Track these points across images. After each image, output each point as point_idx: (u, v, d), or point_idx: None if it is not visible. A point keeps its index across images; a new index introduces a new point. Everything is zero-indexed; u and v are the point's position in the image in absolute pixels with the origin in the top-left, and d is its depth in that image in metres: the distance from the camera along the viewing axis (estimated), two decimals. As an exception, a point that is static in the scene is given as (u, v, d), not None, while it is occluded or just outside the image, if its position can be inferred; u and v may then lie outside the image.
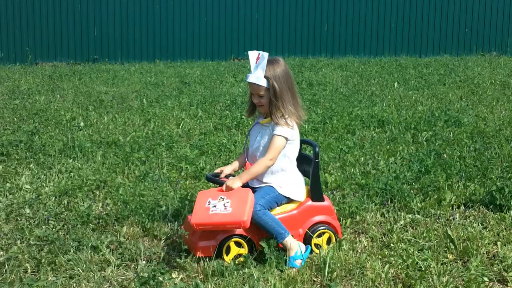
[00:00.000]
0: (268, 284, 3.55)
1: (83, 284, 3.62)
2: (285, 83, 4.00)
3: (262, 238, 3.88)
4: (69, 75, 13.03)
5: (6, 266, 3.77)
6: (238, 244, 3.89)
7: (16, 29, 15.61)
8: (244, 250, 3.89)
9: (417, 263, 3.80)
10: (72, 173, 5.86)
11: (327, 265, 3.70)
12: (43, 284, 3.33)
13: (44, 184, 5.55)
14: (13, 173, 5.89)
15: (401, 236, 4.29)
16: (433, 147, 6.52)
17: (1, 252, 4.05)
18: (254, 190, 4.05)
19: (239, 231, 3.87)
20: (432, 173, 5.56)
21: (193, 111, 8.76)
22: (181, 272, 3.78)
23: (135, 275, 3.67)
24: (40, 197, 5.17)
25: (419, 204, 4.88)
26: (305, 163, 4.31)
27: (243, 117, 8.12)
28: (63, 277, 3.68)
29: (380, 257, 3.95)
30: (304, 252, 3.90)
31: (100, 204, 5.01)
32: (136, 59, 15.73)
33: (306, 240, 4.03)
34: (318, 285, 3.62)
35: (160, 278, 3.48)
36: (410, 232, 4.38)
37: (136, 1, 15.81)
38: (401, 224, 4.52)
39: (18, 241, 4.21)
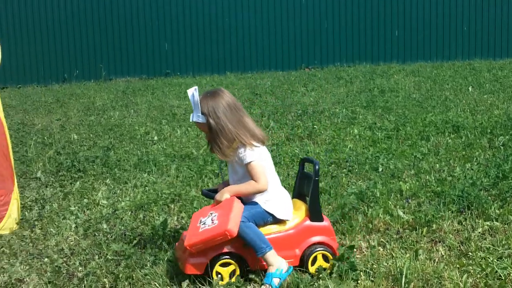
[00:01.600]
0: (345, 297, 3.48)
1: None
2: (225, 114, 3.86)
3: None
4: (142, 90, 13.28)
5: (85, 282, 3.82)
6: (226, 265, 3.77)
7: (89, 47, 16.05)
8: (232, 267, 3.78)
9: (496, 271, 3.65)
10: (147, 187, 5.94)
11: (403, 275, 3.59)
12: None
13: (120, 199, 5.64)
14: (90, 188, 6.02)
15: (479, 244, 4.13)
16: (511, 152, 6.28)
17: (80, 268, 4.12)
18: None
19: (227, 249, 3.75)
20: (510, 178, 5.34)
21: (264, 122, 8.76)
22: (255, 285, 3.74)
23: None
24: (116, 212, 5.25)
25: (497, 211, 4.70)
26: (307, 182, 4.12)
27: (315, 126, 8.05)
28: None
29: (458, 266, 3.80)
30: (285, 272, 3.73)
31: (175, 218, 5.04)
32: (207, 72, 15.89)
33: (303, 261, 3.89)
34: (396, 297, 3.52)
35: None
36: (488, 240, 4.21)
37: (205, 15, 15.99)
38: (479, 232, 4.36)
39: (96, 256, 4.27)
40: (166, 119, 9.54)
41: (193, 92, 3.87)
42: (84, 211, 5.36)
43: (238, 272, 3.77)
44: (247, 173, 3.87)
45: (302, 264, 3.86)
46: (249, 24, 16.03)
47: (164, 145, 7.74)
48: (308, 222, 3.94)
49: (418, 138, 7.24)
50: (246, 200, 3.98)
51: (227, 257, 3.75)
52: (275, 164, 6.31)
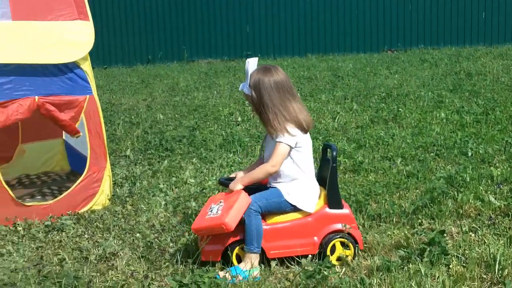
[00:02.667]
0: (436, 281, 3.43)
1: (250, 277, 3.69)
2: (269, 93, 3.80)
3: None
4: (224, 72, 13.40)
5: (177, 257, 3.93)
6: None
7: (173, 29, 16.29)
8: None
9: None
10: (233, 167, 6.02)
11: (497, 262, 3.52)
12: (212, 275, 3.43)
13: (207, 178, 5.74)
14: (177, 167, 6.16)
15: None
16: None
17: (171, 244, 4.23)
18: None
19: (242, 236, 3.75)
20: None
21: (348, 105, 8.70)
22: (345, 267, 3.75)
23: (300, 269, 3.69)
24: (204, 190, 5.35)
25: None
26: (327, 168, 4.00)
27: (400, 109, 7.94)
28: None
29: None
30: (252, 276, 3.66)
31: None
32: (288, 54, 15.85)
33: (321, 248, 3.83)
34: (488, 283, 3.44)
35: (325, 272, 3.47)
36: None
37: (287, -4, 15.96)
38: None
39: (186, 233, 4.38)
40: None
41: (251, 61, 3.88)
42: (172, 189, 5.49)
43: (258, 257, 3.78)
44: None
45: (321, 251, 3.83)
46: (331, 6, 15.87)
47: (248, 126, 7.81)
48: (326, 209, 3.88)
49: (509, 122, 7.03)
50: (271, 183, 3.96)
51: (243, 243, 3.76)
52: (360, 147, 6.30)
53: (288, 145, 3.81)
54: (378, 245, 3.96)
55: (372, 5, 15.72)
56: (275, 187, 3.92)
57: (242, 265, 3.74)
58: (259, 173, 3.88)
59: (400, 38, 15.65)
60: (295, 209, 3.87)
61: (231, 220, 3.65)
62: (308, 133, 3.98)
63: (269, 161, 3.83)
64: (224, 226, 3.64)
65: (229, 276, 3.62)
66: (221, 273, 3.65)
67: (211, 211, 3.83)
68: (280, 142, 3.80)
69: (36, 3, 4.91)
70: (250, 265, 3.73)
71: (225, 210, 3.71)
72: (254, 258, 3.74)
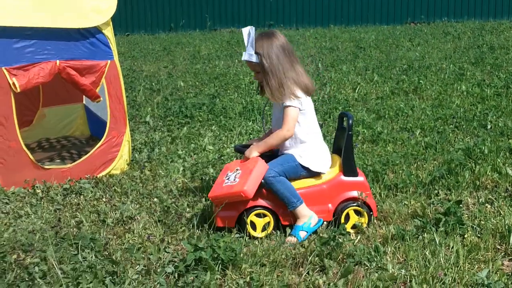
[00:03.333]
0: (450, 250, 3.44)
1: (265, 243, 3.72)
2: (278, 56, 3.82)
3: None
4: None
5: (193, 222, 3.97)
6: (261, 216, 3.80)
7: (196, -3, 16.26)
8: (267, 219, 3.80)
9: None
10: (251, 135, 6.04)
11: (511, 233, 3.52)
12: (228, 240, 3.46)
13: (225, 145, 5.77)
14: (196, 134, 6.18)
15: None
16: None
17: (188, 209, 4.27)
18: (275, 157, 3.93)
19: (260, 202, 3.76)
20: None
21: (368, 76, 8.65)
22: (360, 234, 3.76)
23: (315, 236, 3.72)
24: (222, 157, 5.38)
25: None
26: (343, 136, 3.98)
27: (421, 81, 7.88)
28: (247, 235, 3.80)
29: None
30: (314, 225, 3.72)
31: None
32: (311, 24, 15.75)
33: (336, 216, 3.83)
34: (502, 253, 3.44)
35: (340, 240, 3.50)
36: None
37: (311, -34, 15.81)
38: None
39: (203, 199, 4.41)
40: (269, 70, 9.56)
41: (249, 31, 3.85)
42: (191, 155, 5.52)
43: (272, 224, 3.80)
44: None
45: (335, 218, 3.84)
46: (355, -24, 15.72)
47: (267, 95, 7.79)
48: (341, 176, 3.88)
49: (531, 96, 6.96)
50: (282, 151, 3.97)
51: (261, 208, 3.78)
52: (379, 117, 6.28)
53: (297, 108, 3.82)
54: (394, 214, 3.96)
55: (396, -24, 15.54)
56: (287, 153, 3.93)
57: (299, 222, 3.77)
58: (274, 139, 3.89)
59: (424, 11, 15.48)
60: (309, 172, 3.89)
61: (250, 188, 3.67)
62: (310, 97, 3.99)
63: (283, 127, 3.83)
64: (243, 194, 3.66)
65: (295, 239, 3.68)
66: (288, 238, 3.70)
67: (228, 178, 3.85)
68: (290, 106, 3.81)
69: (58, -32, 4.92)
70: (305, 218, 3.76)
71: (243, 178, 3.73)
72: (302, 209, 3.77)
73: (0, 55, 4.57)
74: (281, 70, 3.83)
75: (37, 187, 4.78)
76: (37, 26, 4.69)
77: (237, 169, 3.89)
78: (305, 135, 3.92)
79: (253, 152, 3.91)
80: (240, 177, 3.77)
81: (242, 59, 3.97)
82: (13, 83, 4.57)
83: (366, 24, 15.49)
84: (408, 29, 14.25)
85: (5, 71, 4.56)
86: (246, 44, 3.88)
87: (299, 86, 3.86)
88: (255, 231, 3.79)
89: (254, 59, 3.86)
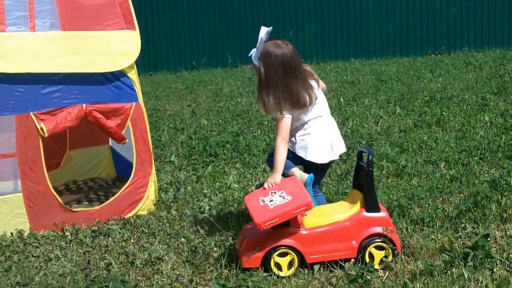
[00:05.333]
0: (479, 285, 3.42)
1: (293, 281, 3.72)
2: (275, 70, 3.94)
3: None
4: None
5: (221, 261, 3.99)
6: (284, 255, 3.81)
7: (217, 36, 16.43)
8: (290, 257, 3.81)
9: None
10: (276, 173, 6.06)
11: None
12: (256, 279, 3.48)
13: (250, 183, 5.80)
14: (221, 172, 6.23)
15: None
16: None
17: (215, 248, 4.29)
18: None
19: (283, 242, 3.78)
20: None
21: (391, 108, 8.67)
22: (388, 271, 3.76)
23: (343, 273, 3.72)
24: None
25: None
26: (363, 172, 3.99)
27: (443, 113, 7.88)
28: (274, 274, 3.81)
29: None
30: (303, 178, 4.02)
31: (304, 202, 5.12)
32: (331, 58, 15.85)
33: (360, 252, 3.82)
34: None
35: (368, 277, 3.49)
36: None
37: (330, 1, 15.93)
38: None
39: (230, 238, 4.44)
40: (291, 106, 9.62)
41: (266, 31, 3.97)
42: (216, 194, 5.56)
43: (296, 262, 3.81)
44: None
45: (360, 255, 3.84)
46: (374, 9, 15.80)
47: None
48: (364, 213, 3.89)
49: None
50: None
51: (284, 247, 3.79)
52: (403, 151, 6.28)
53: (290, 117, 4.03)
54: (421, 249, 3.95)
55: (415, 8, 15.61)
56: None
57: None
58: (279, 153, 4.01)
59: (444, 41, 15.51)
60: (306, 163, 4.18)
61: (311, 199, 3.78)
62: (320, 90, 4.24)
63: (277, 137, 4.03)
64: (309, 206, 3.74)
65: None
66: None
67: (271, 201, 3.86)
68: (282, 117, 4.01)
69: (84, 14, 5.04)
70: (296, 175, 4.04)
71: (296, 193, 3.82)
72: (294, 172, 4.07)
73: (28, 100, 4.69)
74: (274, 83, 3.97)
75: (66, 229, 4.85)
76: (64, 72, 4.81)
77: (273, 192, 3.93)
78: (301, 135, 4.17)
79: (276, 177, 4.02)
80: (291, 194, 3.83)
81: (248, 55, 4.09)
82: (41, 128, 4.68)
83: (386, 57, 15.54)
84: (429, 60, 14.28)
85: (33, 116, 4.67)
86: (258, 42, 4.01)
87: (292, 104, 4.01)
88: (281, 271, 3.80)
89: (255, 62, 4.01)
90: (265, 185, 4.02)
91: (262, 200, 3.92)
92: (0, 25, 4.71)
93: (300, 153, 4.18)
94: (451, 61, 13.51)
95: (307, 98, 4.05)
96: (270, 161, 4.23)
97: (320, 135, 4.21)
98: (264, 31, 4.01)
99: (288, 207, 3.74)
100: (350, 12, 15.90)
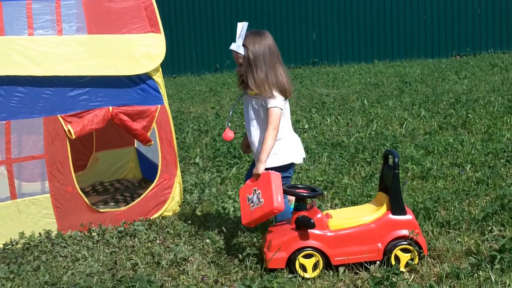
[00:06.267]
0: (507, 289, 3.41)
1: (318, 283, 3.73)
2: (263, 54, 4.12)
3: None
4: (291, 79, 13.41)
5: (246, 263, 4.00)
6: (309, 256, 3.82)
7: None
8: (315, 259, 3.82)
9: None
10: (300, 174, 6.07)
11: None
12: (281, 281, 3.49)
13: (274, 185, 5.80)
14: (245, 174, 6.22)
15: None
16: None
17: (240, 249, 4.31)
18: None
19: (308, 243, 3.80)
20: None
21: (415, 111, 8.63)
22: (413, 273, 3.75)
23: (368, 275, 3.71)
24: (272, 197, 5.41)
25: None
26: (389, 174, 3.97)
27: (469, 115, 7.82)
28: (299, 276, 3.82)
29: None
30: None
31: (329, 205, 5.13)
32: (355, 60, 15.80)
33: (386, 255, 3.81)
34: None
35: (394, 279, 3.49)
36: None
37: (353, 3, 15.90)
38: None
39: (255, 239, 4.45)
40: (315, 108, 9.64)
41: (243, 24, 4.16)
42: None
43: (322, 263, 3.81)
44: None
45: (386, 257, 3.83)
46: (398, 11, 15.73)
47: (314, 133, 7.85)
48: (390, 215, 3.87)
49: None
50: (259, 149, 4.19)
51: (309, 248, 3.80)
52: (428, 153, 6.25)
53: (280, 108, 4.12)
54: (448, 252, 3.94)
55: (440, 10, 15.50)
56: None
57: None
58: (268, 142, 4.10)
59: (469, 43, 15.38)
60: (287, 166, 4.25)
61: (278, 201, 3.85)
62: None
63: (269, 126, 4.11)
64: (276, 210, 3.86)
65: None
66: None
67: (252, 202, 4.00)
68: (274, 107, 4.10)
69: (110, 18, 5.10)
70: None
71: (266, 196, 3.90)
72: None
73: (56, 103, 4.76)
74: (263, 68, 4.12)
75: (93, 230, 4.90)
76: (91, 75, 4.86)
77: (255, 190, 4.03)
78: (280, 134, 4.19)
79: (260, 167, 4.08)
80: (263, 197, 3.92)
81: (230, 48, 4.20)
82: (69, 130, 4.74)
83: (410, 58, 15.45)
84: (453, 62, 14.17)
85: (60, 118, 4.74)
86: (237, 35, 4.17)
87: (277, 86, 4.13)
88: (306, 272, 3.81)
89: (241, 50, 4.14)
90: (253, 171, 4.14)
91: (248, 198, 4.06)
92: (28, 28, 4.79)
93: (283, 160, 4.26)
94: (477, 62, 13.41)
95: (289, 88, 4.22)
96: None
97: (293, 136, 4.36)
98: (241, 25, 4.18)
99: (260, 213, 3.92)
100: (373, 13, 15.84)
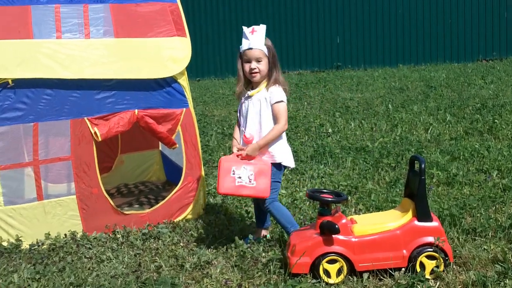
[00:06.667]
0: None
1: (342, 288, 3.73)
2: (274, 53, 4.43)
3: None
4: (314, 83, 13.44)
5: (269, 267, 4.00)
6: (333, 262, 3.81)
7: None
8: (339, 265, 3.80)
9: None
10: (323, 179, 6.06)
11: None
12: (305, 286, 3.48)
13: (298, 189, 5.80)
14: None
15: None
16: None
17: (263, 254, 4.30)
18: None
19: (332, 248, 3.79)
20: None
21: (441, 116, 8.56)
22: (439, 281, 3.72)
23: (393, 282, 3.69)
24: (295, 201, 5.42)
25: None
26: (415, 180, 3.93)
27: (496, 121, 7.74)
28: (322, 281, 3.81)
29: None
30: None
31: (353, 210, 5.11)
32: (379, 64, 15.73)
33: (411, 262, 3.77)
34: None
35: (419, 286, 3.46)
36: None
37: (378, 6, 15.84)
38: None
39: (278, 244, 4.45)
40: (339, 112, 9.61)
41: (260, 26, 4.41)
42: (265, 200, 5.57)
43: (346, 269, 3.79)
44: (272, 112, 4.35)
45: (411, 264, 3.80)
46: (423, 15, 15.63)
47: (338, 137, 7.83)
48: (415, 222, 3.84)
49: None
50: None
51: (333, 254, 3.79)
52: (454, 159, 6.21)
53: (285, 102, 4.38)
54: (474, 260, 3.90)
55: (466, 14, 15.38)
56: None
57: None
58: (274, 134, 4.33)
59: (496, 47, 15.24)
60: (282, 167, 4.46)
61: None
62: None
63: (280, 121, 4.33)
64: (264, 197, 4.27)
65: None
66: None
67: (239, 177, 4.21)
68: (281, 101, 4.34)
69: (137, 21, 5.14)
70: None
71: (261, 183, 4.22)
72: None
73: (83, 105, 4.81)
74: (278, 65, 4.45)
75: (117, 232, 4.93)
76: (118, 78, 4.90)
77: (245, 168, 4.24)
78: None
79: (254, 150, 4.32)
80: (257, 180, 4.23)
81: (250, 46, 4.38)
82: (95, 132, 4.78)
83: (436, 63, 15.34)
84: (480, 66, 14.04)
85: (87, 121, 4.78)
86: (249, 37, 4.39)
87: (284, 83, 4.44)
88: (330, 278, 3.80)
89: (264, 48, 4.36)
90: (243, 153, 4.32)
91: (233, 171, 4.22)
92: (57, 32, 4.84)
93: (285, 162, 4.46)
94: (503, 67, 13.27)
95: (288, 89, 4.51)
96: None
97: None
98: (262, 27, 4.43)
99: (250, 193, 4.25)
100: (398, 17, 15.76)
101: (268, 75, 4.40)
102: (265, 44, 4.37)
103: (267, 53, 4.37)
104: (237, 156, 4.33)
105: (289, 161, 4.47)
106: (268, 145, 4.37)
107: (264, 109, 4.39)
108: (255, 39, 4.36)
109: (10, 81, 4.64)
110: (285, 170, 6.35)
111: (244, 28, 4.44)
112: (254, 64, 4.38)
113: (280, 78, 4.41)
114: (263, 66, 4.38)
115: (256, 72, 4.39)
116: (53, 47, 4.80)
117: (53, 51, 4.78)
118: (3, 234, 4.73)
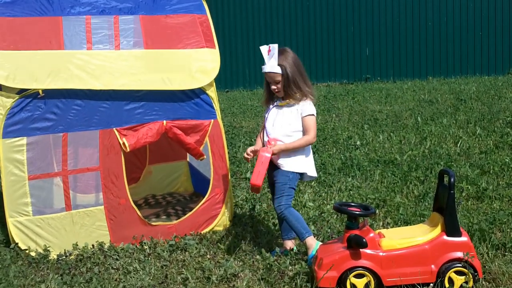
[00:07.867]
0: None
1: (369, 302, 3.69)
2: (296, 68, 4.45)
3: None
4: (342, 95, 13.39)
5: (296, 280, 3.97)
6: (361, 276, 3.77)
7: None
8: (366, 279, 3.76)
9: None
10: (351, 191, 6.02)
11: None
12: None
13: (325, 202, 5.78)
14: (296, 190, 6.20)
15: None
16: None
17: (290, 267, 4.28)
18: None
19: (359, 263, 3.76)
20: None
21: (471, 129, 8.46)
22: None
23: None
24: (323, 214, 5.39)
25: None
26: (444, 194, 3.89)
27: (526, 135, 7.64)
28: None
29: None
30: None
31: (381, 223, 5.07)
32: (408, 77, 15.62)
33: (440, 277, 3.71)
34: None
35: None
36: None
37: (408, 19, 15.74)
38: None
39: (305, 257, 4.42)
40: (367, 124, 9.56)
41: (272, 46, 4.52)
42: (292, 212, 5.55)
43: (373, 284, 3.75)
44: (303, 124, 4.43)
45: (440, 279, 3.76)
46: (454, 27, 15.50)
47: (366, 150, 7.78)
48: (444, 236, 3.79)
49: None
50: (284, 156, 4.45)
51: (361, 268, 3.75)
52: (484, 173, 6.13)
53: (314, 115, 4.46)
54: (503, 276, 3.84)
55: (497, 27, 15.22)
56: (279, 171, 4.47)
57: (308, 251, 4.29)
58: (301, 143, 4.43)
59: (527, 60, 15.04)
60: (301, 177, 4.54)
61: (255, 179, 4.30)
62: None
63: (310, 133, 4.41)
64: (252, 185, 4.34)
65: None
66: None
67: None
68: (311, 115, 4.45)
69: (167, 33, 5.18)
70: (311, 247, 4.26)
71: (255, 171, 4.33)
72: (311, 241, 4.30)
73: (112, 116, 4.85)
74: (301, 79, 4.47)
75: (144, 243, 4.95)
76: (147, 89, 4.94)
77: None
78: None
79: (273, 148, 4.39)
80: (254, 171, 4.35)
81: (264, 71, 4.55)
82: (123, 143, 4.82)
83: (466, 75, 15.19)
84: (510, 79, 13.85)
85: (116, 131, 4.82)
86: (266, 58, 4.54)
87: (310, 93, 4.49)
88: None
89: (278, 70, 4.43)
90: (274, 149, 4.39)
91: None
92: (87, 43, 4.90)
93: (308, 170, 4.55)
94: (535, 80, 13.10)
95: (316, 95, 4.59)
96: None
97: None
98: (272, 46, 4.54)
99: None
100: (428, 29, 15.65)
101: (284, 90, 4.48)
102: (280, 64, 4.45)
103: (281, 73, 4.46)
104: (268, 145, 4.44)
105: (309, 170, 4.54)
106: (291, 151, 4.44)
107: (293, 120, 4.46)
108: (269, 61, 4.50)
109: (40, 92, 4.70)
110: (312, 181, 6.39)
111: (261, 48, 4.61)
112: (273, 86, 4.52)
113: (304, 89, 4.47)
114: (281, 85, 4.50)
115: (278, 91, 4.52)
116: (84, 58, 4.86)
117: (84, 62, 4.83)
118: (31, 244, 4.78)
